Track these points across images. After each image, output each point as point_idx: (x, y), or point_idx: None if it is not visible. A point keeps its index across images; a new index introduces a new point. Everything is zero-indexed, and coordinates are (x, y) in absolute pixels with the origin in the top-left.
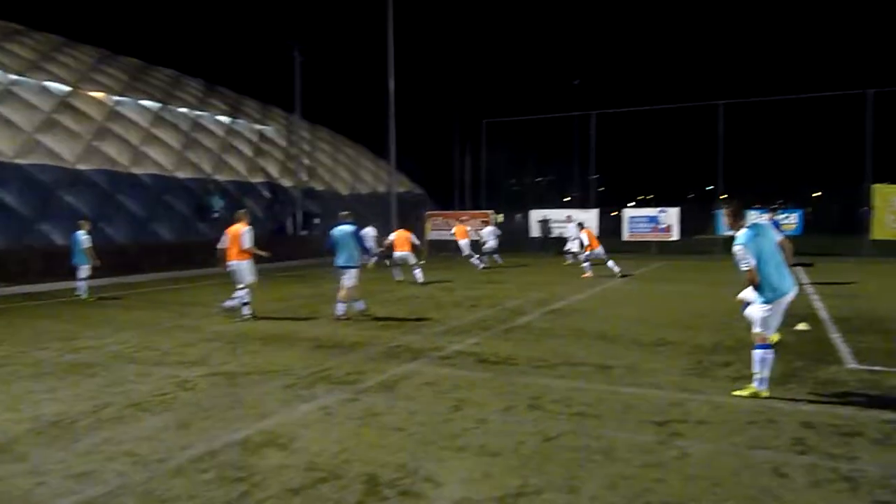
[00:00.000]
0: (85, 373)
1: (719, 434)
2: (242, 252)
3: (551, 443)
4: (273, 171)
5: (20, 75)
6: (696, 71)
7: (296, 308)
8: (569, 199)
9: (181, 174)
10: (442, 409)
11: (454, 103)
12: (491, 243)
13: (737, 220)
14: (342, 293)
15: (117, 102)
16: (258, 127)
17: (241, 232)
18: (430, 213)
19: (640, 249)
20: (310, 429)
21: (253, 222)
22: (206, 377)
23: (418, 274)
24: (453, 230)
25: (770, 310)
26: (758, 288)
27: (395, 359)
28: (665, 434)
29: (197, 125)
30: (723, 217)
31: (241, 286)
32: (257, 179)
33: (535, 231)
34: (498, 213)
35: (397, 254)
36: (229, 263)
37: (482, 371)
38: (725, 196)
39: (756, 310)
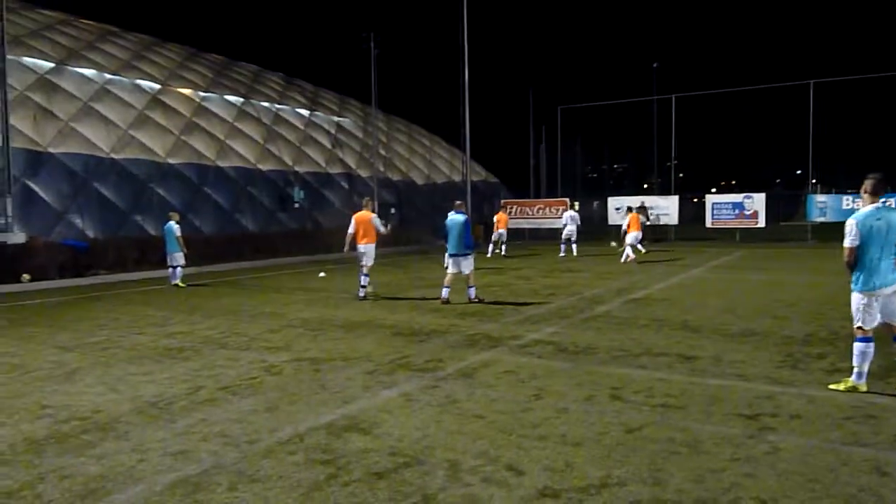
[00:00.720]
0: (178, 357)
1: (814, 429)
2: (370, 236)
3: (634, 434)
4: (350, 161)
5: (115, 74)
6: (782, 50)
7: (375, 296)
8: (647, 185)
9: (263, 166)
10: (521, 398)
11: (529, 90)
12: (570, 227)
13: (871, 197)
14: (448, 279)
15: (203, 98)
16: (336, 119)
17: (369, 218)
18: (505, 201)
19: (724, 237)
20: (392, 414)
21: (332, 213)
22: (290, 362)
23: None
24: (495, 217)
25: (864, 300)
26: (855, 271)
27: (474, 347)
28: (755, 428)
29: (278, 118)
30: (862, 193)
31: (365, 267)
32: (335, 170)
33: (613, 218)
34: (574, 200)
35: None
36: (359, 247)
37: (561, 360)
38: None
39: (853, 298)
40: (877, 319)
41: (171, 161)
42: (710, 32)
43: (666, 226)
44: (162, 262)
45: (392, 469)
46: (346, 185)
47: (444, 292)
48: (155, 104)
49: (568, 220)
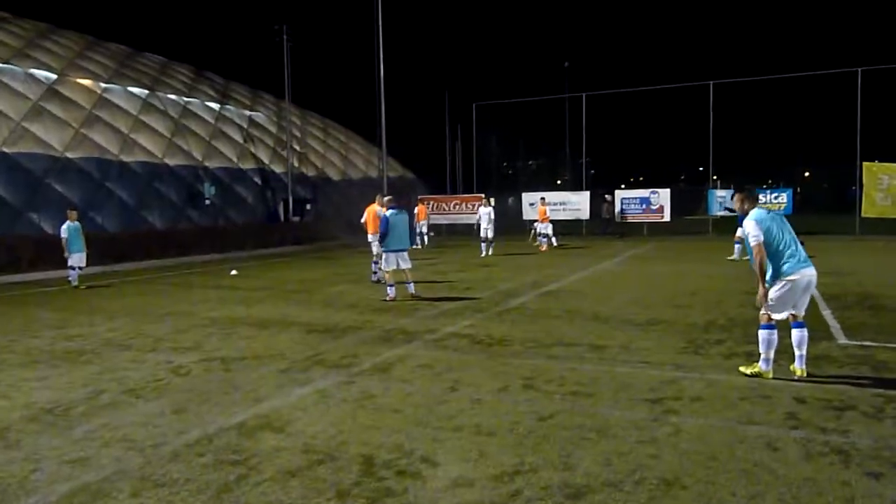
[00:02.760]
0: (78, 360)
1: (713, 410)
2: (376, 227)
3: (546, 422)
4: (264, 157)
5: (5, 63)
6: (686, 51)
7: (288, 293)
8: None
9: (171, 161)
10: (437, 391)
11: (444, 87)
12: (486, 226)
13: (744, 205)
14: (392, 275)
15: (105, 89)
16: (248, 113)
17: (376, 211)
18: (421, 196)
19: (632, 230)
20: (305, 412)
21: (243, 209)
22: (200, 363)
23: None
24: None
25: (781, 289)
26: (767, 267)
27: (390, 342)
28: (659, 411)
29: (186, 112)
30: (737, 201)
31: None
32: (248, 166)
33: (528, 214)
34: (490, 196)
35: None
36: (370, 236)
37: (476, 353)
38: (737, 186)
39: (769, 292)
40: (788, 309)
41: (70, 155)
42: (620, 33)
43: (578, 220)
44: (61, 263)
45: (305, 466)
46: (258, 181)
47: (391, 291)
48: (51, 95)
49: (484, 217)
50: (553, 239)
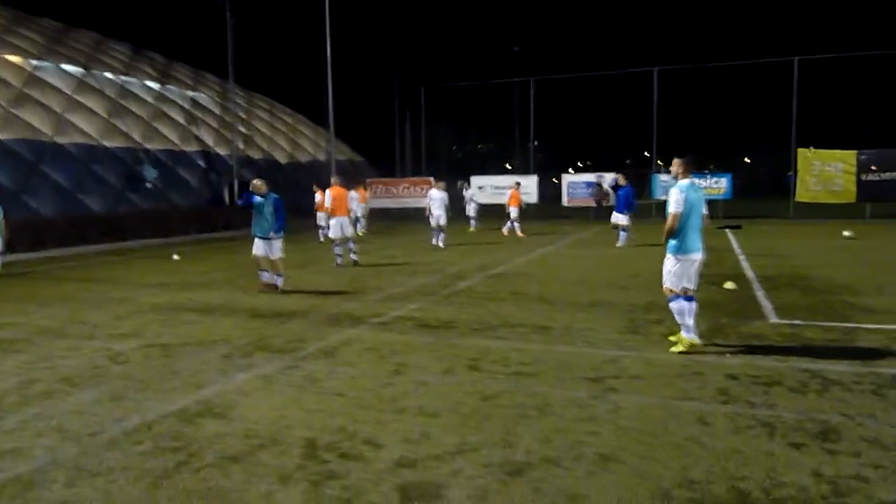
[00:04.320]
0: (8, 349)
1: (650, 387)
2: (343, 209)
3: (489, 402)
4: (208, 139)
5: None
6: (633, 38)
7: (233, 278)
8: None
9: (109, 143)
10: (382, 374)
11: (393, 69)
12: (439, 213)
13: (680, 171)
14: (265, 262)
15: (36, 67)
16: (191, 94)
17: (348, 194)
18: (371, 180)
19: (580, 214)
20: (248, 397)
21: (187, 192)
22: (139, 349)
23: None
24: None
25: (676, 264)
26: (673, 237)
27: (336, 326)
28: (599, 389)
29: (124, 91)
30: (676, 165)
31: (344, 237)
32: (191, 148)
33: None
34: (440, 180)
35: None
36: (338, 218)
37: (423, 335)
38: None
39: (665, 264)
40: (683, 283)
41: None
42: (569, 18)
43: (527, 204)
44: None
45: (247, 452)
46: (202, 164)
47: (265, 276)
48: None
49: (436, 202)
50: (514, 224)
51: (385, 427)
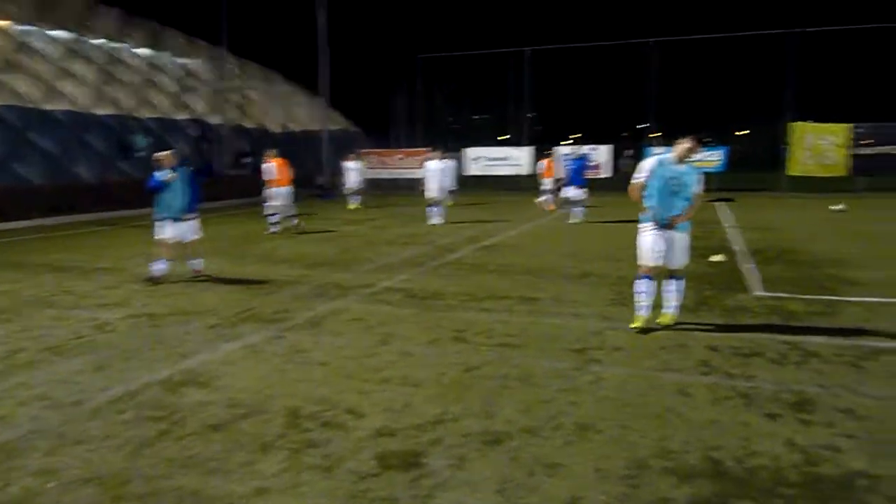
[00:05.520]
0: None
1: (633, 359)
2: (288, 179)
3: (472, 372)
4: (199, 108)
5: None
6: (631, 8)
7: (224, 248)
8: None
9: (99, 111)
10: (368, 344)
11: (388, 38)
12: (434, 185)
13: (690, 153)
14: (168, 249)
15: (24, 32)
16: (183, 61)
17: (286, 164)
18: (365, 151)
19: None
20: (233, 367)
21: (180, 161)
22: (126, 319)
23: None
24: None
25: (651, 235)
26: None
27: (324, 296)
28: (582, 361)
29: (114, 58)
30: (682, 144)
31: (284, 206)
32: (183, 116)
33: (470, 169)
34: (435, 151)
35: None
36: (281, 189)
37: (410, 306)
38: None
39: (640, 237)
40: (654, 259)
41: None
42: None
43: (518, 176)
44: None
45: (229, 420)
46: (194, 133)
47: (157, 267)
48: None
49: (434, 174)
50: (549, 197)
51: (368, 397)
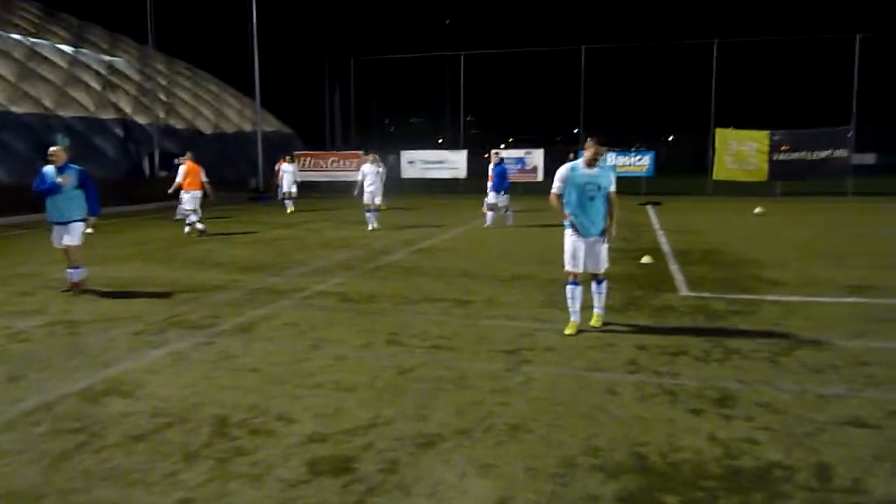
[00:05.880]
0: None
1: (563, 359)
2: (198, 183)
3: (406, 375)
4: (126, 107)
5: None
6: (562, 14)
7: (151, 252)
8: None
9: (17, 109)
10: (299, 349)
11: (323, 38)
12: (373, 188)
13: (597, 156)
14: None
15: None
16: (107, 58)
17: (198, 168)
18: (299, 153)
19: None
20: (158, 375)
21: (104, 163)
22: (43, 327)
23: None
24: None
25: (571, 241)
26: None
27: (255, 301)
28: (514, 362)
29: (34, 55)
30: (590, 150)
31: (190, 209)
32: (108, 116)
33: (406, 172)
34: (368, 153)
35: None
36: (187, 193)
37: (344, 310)
38: (592, 137)
39: (564, 244)
40: (579, 264)
41: None
42: None
43: (456, 179)
44: None
45: (153, 430)
46: (120, 133)
47: (78, 272)
48: None
49: (370, 177)
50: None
51: (299, 402)
